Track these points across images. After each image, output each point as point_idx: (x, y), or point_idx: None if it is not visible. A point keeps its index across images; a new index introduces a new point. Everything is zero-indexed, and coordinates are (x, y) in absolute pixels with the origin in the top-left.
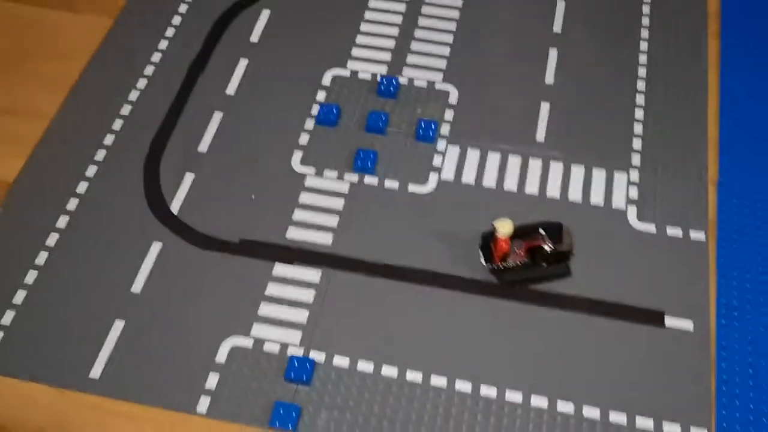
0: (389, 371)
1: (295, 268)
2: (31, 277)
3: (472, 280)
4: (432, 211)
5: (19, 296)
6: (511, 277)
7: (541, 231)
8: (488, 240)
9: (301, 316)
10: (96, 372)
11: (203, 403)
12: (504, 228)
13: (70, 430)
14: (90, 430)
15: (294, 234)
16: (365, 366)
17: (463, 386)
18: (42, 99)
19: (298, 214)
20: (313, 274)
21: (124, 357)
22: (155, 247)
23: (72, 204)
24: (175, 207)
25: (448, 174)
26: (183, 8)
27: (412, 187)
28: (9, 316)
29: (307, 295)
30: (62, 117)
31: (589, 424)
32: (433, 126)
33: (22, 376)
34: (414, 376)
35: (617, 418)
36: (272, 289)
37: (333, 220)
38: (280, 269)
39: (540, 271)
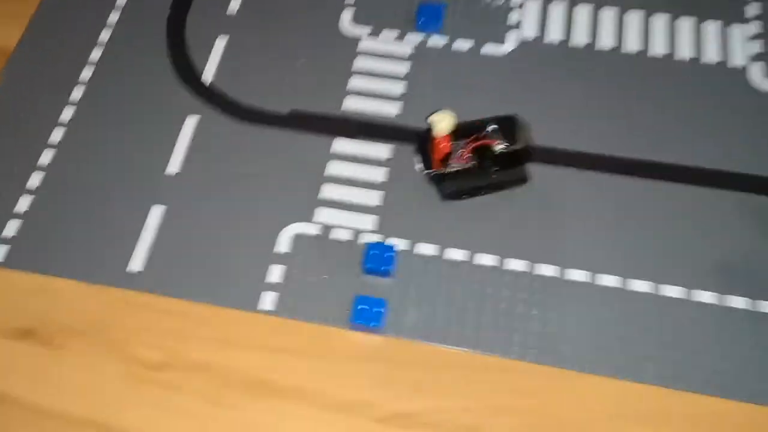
0: (484, 259)
1: (359, 143)
2: (46, 156)
3: (566, 152)
4: (511, 75)
5: (35, 179)
6: (454, 186)
7: (490, 127)
8: (425, 140)
9: (373, 197)
10: (135, 265)
11: (267, 300)
12: (442, 123)
13: (110, 332)
14: (134, 332)
15: (351, 104)
16: (455, 254)
17: (577, 275)
18: None
19: (355, 82)
20: (381, 150)
21: (167, 247)
22: (190, 122)
23: (86, 73)
24: (207, 75)
25: (529, 31)
26: None
27: (487, 48)
28: (25, 202)
29: (378, 174)
30: None
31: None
32: None
33: (47, 270)
34: (515, 264)
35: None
36: (334, 167)
37: (396, 88)
38: (340, 145)
39: (490, 177)
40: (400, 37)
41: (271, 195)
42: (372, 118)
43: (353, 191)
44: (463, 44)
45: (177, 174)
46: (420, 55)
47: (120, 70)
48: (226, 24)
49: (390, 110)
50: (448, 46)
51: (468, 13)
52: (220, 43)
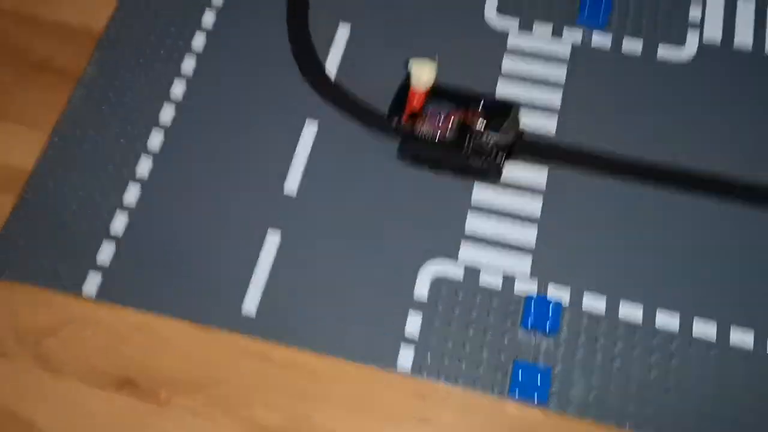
0: (667, 320)
1: (510, 164)
2: (144, 166)
3: (750, 185)
4: (692, 87)
5: (132, 193)
6: (416, 150)
7: (480, 104)
8: (406, 89)
9: (527, 234)
10: (250, 306)
11: (405, 357)
12: (421, 74)
13: (223, 387)
14: (251, 388)
15: None
16: (631, 311)
17: None
18: None
19: (504, 87)
20: (536, 174)
21: (285, 286)
22: (310, 129)
23: (187, 64)
24: (330, 68)
25: (714, 32)
26: None
27: (663, 51)
28: (121, 222)
29: (533, 204)
30: None
31: None
32: None
33: (148, 306)
34: (704, 328)
35: None
36: (482, 194)
37: (554, 98)
38: None
39: (457, 159)
40: (557, 32)
41: (406, 224)
42: (529, 134)
43: (504, 225)
44: (633, 45)
45: (295, 196)
46: (581, 56)
47: (231, 47)
48: (349, 7)
49: (547, 125)
50: (617, 46)
51: (640, 5)
52: (343, 31)
